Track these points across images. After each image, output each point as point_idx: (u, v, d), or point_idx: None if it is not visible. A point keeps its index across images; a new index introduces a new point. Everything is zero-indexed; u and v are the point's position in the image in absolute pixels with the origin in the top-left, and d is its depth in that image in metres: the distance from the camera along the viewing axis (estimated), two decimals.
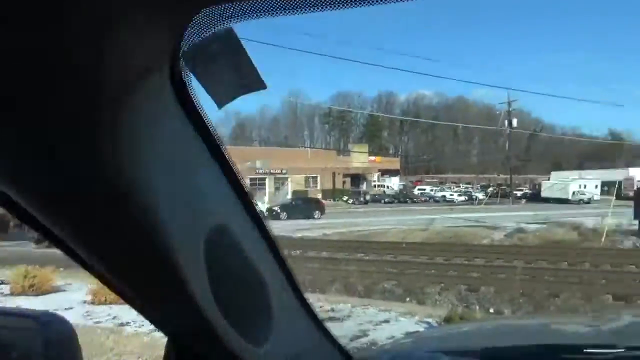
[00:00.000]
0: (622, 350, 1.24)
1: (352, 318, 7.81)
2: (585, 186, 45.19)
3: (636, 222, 19.32)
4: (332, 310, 8.19)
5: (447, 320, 6.87)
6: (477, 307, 9.56)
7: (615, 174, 44.28)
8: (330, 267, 12.19)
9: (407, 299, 10.19)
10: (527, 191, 51.57)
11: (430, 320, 7.46)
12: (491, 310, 9.37)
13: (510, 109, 48.97)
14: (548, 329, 1.78)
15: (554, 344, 1.31)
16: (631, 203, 21.13)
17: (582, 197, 42.97)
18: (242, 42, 0.59)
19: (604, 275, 10.73)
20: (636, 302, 8.79)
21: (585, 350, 1.25)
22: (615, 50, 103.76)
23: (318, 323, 1.10)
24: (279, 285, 0.91)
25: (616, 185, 31.93)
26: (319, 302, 8.67)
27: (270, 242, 0.87)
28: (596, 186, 46.00)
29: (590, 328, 1.81)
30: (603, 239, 17.57)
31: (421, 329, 6.57)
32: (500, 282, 10.24)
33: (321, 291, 10.41)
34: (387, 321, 7.65)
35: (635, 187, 30.26)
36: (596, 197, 42.20)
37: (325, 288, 10.66)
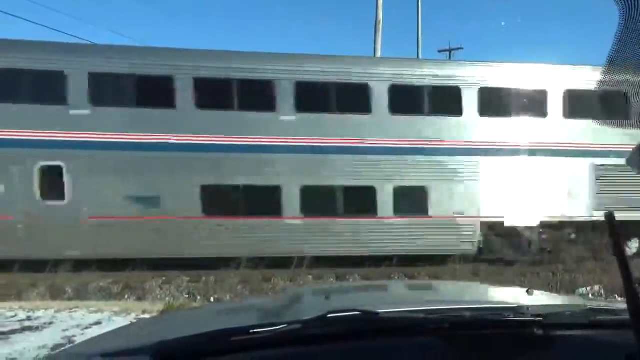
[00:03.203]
0: (284, 325, 1.32)
1: (55, 325, 6.83)
2: None
3: None
4: (29, 319, 7.00)
5: (163, 313, 6.70)
6: (199, 297, 9.72)
7: None
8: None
9: (126, 296, 9.58)
10: None
11: (146, 316, 7.14)
12: (212, 300, 9.65)
13: None
14: (231, 314, 1.82)
15: (223, 328, 1.31)
16: None
17: None
18: None
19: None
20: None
21: (251, 331, 1.29)
22: None
23: None
24: None
25: None
26: (10, 312, 7.32)
27: None
28: None
29: (270, 308, 1.93)
30: None
31: None
32: (220, 272, 10.59)
33: (17, 298, 8.82)
34: (98, 323, 6.99)
35: None
36: None
37: (23, 294, 9.07)
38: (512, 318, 1.36)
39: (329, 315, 1.33)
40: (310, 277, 10.45)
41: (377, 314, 1.34)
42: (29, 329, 6.55)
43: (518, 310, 1.40)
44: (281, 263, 10.90)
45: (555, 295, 2.60)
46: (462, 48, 27.97)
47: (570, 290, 8.94)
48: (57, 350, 5.24)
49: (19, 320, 6.93)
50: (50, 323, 6.86)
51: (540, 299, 1.98)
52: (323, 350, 1.31)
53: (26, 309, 7.53)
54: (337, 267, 10.88)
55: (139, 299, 9.40)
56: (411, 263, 11.19)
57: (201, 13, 56.99)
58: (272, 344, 1.29)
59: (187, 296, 9.64)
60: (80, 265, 10.42)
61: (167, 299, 9.19)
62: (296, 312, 1.58)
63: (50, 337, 6.13)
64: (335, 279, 10.32)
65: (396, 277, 10.47)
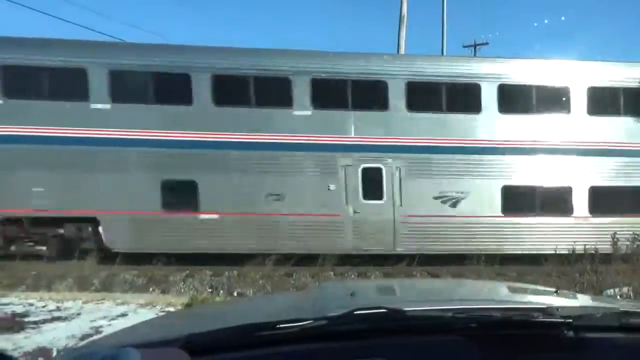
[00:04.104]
0: (310, 321, 1.33)
1: (83, 315, 7.02)
2: None
3: None
4: (58, 309, 7.20)
5: (188, 306, 6.81)
6: (221, 292, 9.83)
7: None
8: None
9: (150, 289, 9.76)
10: None
11: (171, 308, 7.28)
12: (235, 294, 9.75)
13: None
14: (257, 309, 1.84)
15: (250, 323, 1.33)
16: None
17: None
18: None
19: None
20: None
21: (277, 326, 1.30)
22: None
23: None
24: None
25: None
26: (41, 302, 7.55)
27: None
28: None
29: (296, 304, 1.95)
30: None
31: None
32: (243, 267, 10.69)
33: (47, 288, 9.08)
34: (124, 314, 7.15)
35: None
36: None
37: (53, 285, 9.33)
38: (541, 319, 1.34)
39: (356, 312, 1.33)
40: (332, 274, 10.46)
41: (404, 311, 1.34)
42: (59, 318, 6.74)
43: (547, 310, 1.38)
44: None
45: (584, 296, 2.55)
46: (487, 43, 27.51)
47: (597, 291, 8.73)
48: (86, 340, 5.40)
49: (49, 310, 7.13)
50: (79, 314, 7.05)
51: (569, 299, 1.95)
52: (349, 346, 1.31)
53: (56, 299, 7.75)
54: (359, 265, 10.89)
55: (164, 292, 9.56)
56: (432, 262, 11.12)
57: (207, 7, 57.38)
58: (298, 339, 1.30)
59: (210, 290, 9.77)
60: (106, 258, 10.68)
61: (191, 292, 9.32)
62: (322, 308, 1.59)
63: (78, 327, 6.30)
64: (357, 277, 10.31)
65: (418, 275, 10.41)
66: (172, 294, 9.32)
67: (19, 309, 7.14)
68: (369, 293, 2.10)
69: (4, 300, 7.36)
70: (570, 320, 1.33)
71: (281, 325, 1.30)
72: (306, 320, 1.33)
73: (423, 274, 10.45)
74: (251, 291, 9.69)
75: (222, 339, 1.30)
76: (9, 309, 7.09)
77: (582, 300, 2.04)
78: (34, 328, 6.23)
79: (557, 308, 1.40)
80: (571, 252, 9.39)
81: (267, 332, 1.30)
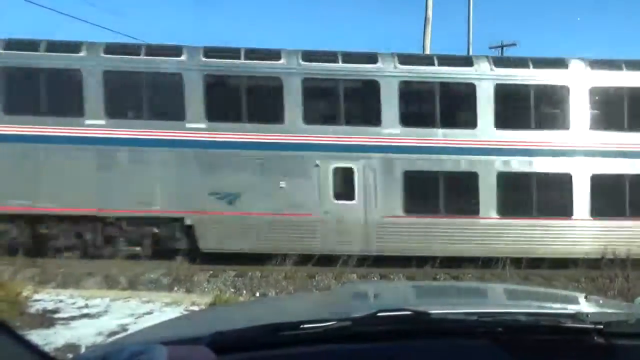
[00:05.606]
0: (334, 322, 1.34)
1: (111, 313, 7.18)
2: None
3: None
4: (86, 306, 7.38)
5: (212, 306, 6.89)
6: (245, 292, 9.92)
7: None
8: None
9: (175, 288, 9.91)
10: None
11: (195, 307, 7.37)
12: (257, 294, 9.82)
13: None
14: (280, 309, 1.86)
15: (274, 322, 1.34)
16: None
17: None
18: None
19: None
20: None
21: (301, 326, 1.31)
22: None
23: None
24: None
25: None
26: (70, 299, 7.75)
27: None
28: None
29: (319, 304, 1.95)
30: None
31: None
32: (265, 267, 10.75)
33: (76, 286, 9.32)
34: (150, 312, 7.28)
35: None
36: None
37: (81, 282, 9.57)
38: (570, 324, 1.31)
39: (380, 314, 1.33)
40: (355, 275, 10.44)
41: (429, 314, 1.33)
42: (87, 315, 6.91)
43: (577, 316, 1.35)
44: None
45: (614, 302, 2.48)
46: (515, 44, 26.96)
47: (628, 298, 8.48)
48: (114, 337, 5.51)
49: (78, 307, 7.31)
50: (106, 311, 7.21)
51: (599, 305, 1.90)
52: (372, 348, 1.31)
53: (84, 296, 7.94)
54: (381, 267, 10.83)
55: (188, 291, 9.70)
56: (455, 264, 10.97)
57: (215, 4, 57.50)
58: (322, 339, 1.30)
59: (233, 290, 9.86)
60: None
61: (215, 292, 9.43)
62: (346, 309, 1.59)
63: (106, 325, 6.44)
64: (380, 279, 10.26)
65: (441, 279, 10.30)
66: (196, 293, 9.45)
67: (50, 305, 7.34)
68: (393, 295, 2.09)
69: (37, 296, 7.58)
70: (601, 327, 1.30)
71: (305, 326, 1.31)
72: (330, 320, 1.33)
73: (446, 277, 10.34)
74: (274, 292, 9.74)
75: (247, 338, 1.31)
76: (40, 305, 7.30)
77: (613, 307, 1.99)
78: (63, 324, 6.40)
79: (587, 314, 1.37)
80: (601, 257, 9.15)
81: (291, 332, 1.30)
